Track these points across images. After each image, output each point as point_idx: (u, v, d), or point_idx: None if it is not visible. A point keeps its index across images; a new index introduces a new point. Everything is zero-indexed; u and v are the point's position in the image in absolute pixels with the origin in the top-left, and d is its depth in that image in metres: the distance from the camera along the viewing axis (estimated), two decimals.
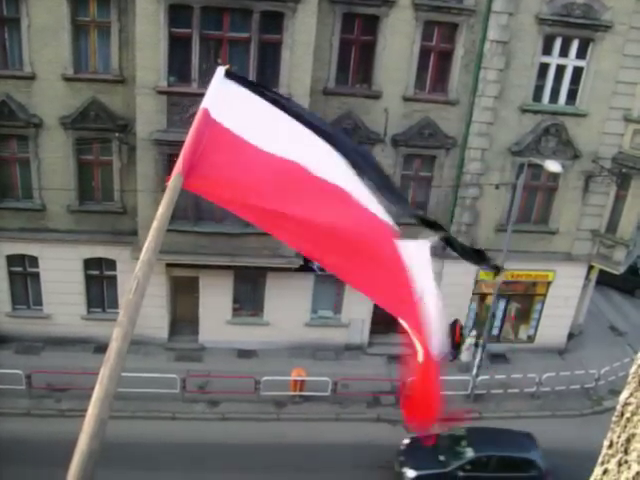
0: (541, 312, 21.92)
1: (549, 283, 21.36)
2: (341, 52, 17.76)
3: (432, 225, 2.96)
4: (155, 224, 2.03)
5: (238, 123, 2.64)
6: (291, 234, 2.72)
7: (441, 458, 15.94)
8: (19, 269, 19.64)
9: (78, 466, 1.54)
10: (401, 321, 2.77)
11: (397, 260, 2.73)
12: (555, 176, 19.23)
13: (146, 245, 1.97)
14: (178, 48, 16.58)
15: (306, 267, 17.93)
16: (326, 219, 2.64)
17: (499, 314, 21.67)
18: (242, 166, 2.59)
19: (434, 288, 2.86)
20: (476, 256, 2.98)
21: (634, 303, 26.96)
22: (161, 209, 2.08)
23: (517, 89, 18.54)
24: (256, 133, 2.69)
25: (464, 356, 20.73)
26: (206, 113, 2.53)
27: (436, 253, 2.92)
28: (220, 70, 2.74)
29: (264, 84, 2.98)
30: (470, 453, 15.94)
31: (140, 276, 1.88)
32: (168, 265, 18.84)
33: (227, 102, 2.64)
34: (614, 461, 1.46)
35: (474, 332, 20.66)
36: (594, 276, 22.51)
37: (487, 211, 19.92)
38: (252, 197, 2.57)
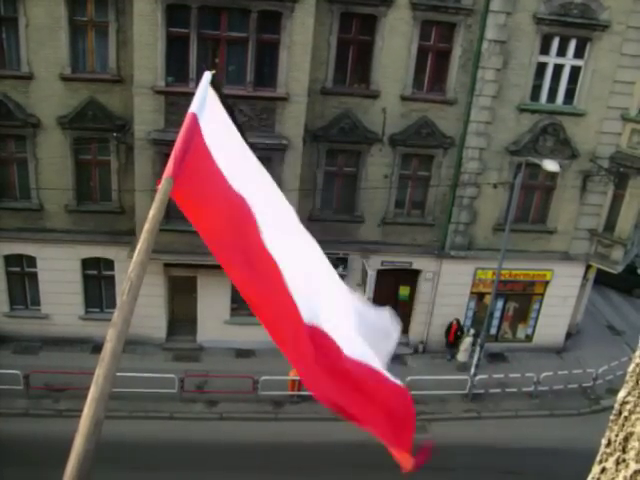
0: (539, 311, 21.94)
1: (547, 282, 21.38)
2: (339, 52, 17.76)
3: None
4: (147, 226, 2.03)
5: (216, 144, 2.71)
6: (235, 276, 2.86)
7: None
8: (17, 269, 19.62)
9: (74, 467, 1.53)
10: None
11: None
12: (553, 175, 19.25)
13: (138, 247, 1.97)
14: (176, 48, 16.57)
15: None
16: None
17: (497, 313, 21.69)
18: (212, 196, 2.71)
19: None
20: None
21: (632, 302, 27.01)
22: (152, 211, 2.08)
23: (515, 88, 18.55)
24: (226, 163, 2.79)
25: (462, 355, 20.74)
26: (194, 118, 2.55)
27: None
28: (207, 75, 2.75)
29: (231, 108, 3.02)
30: None
31: (133, 277, 1.88)
32: (166, 265, 18.83)
33: (210, 115, 2.70)
34: (612, 460, 1.46)
35: (472, 331, 20.67)
36: (592, 275, 22.54)
37: (485, 210, 19.93)
38: (213, 227, 2.71)
